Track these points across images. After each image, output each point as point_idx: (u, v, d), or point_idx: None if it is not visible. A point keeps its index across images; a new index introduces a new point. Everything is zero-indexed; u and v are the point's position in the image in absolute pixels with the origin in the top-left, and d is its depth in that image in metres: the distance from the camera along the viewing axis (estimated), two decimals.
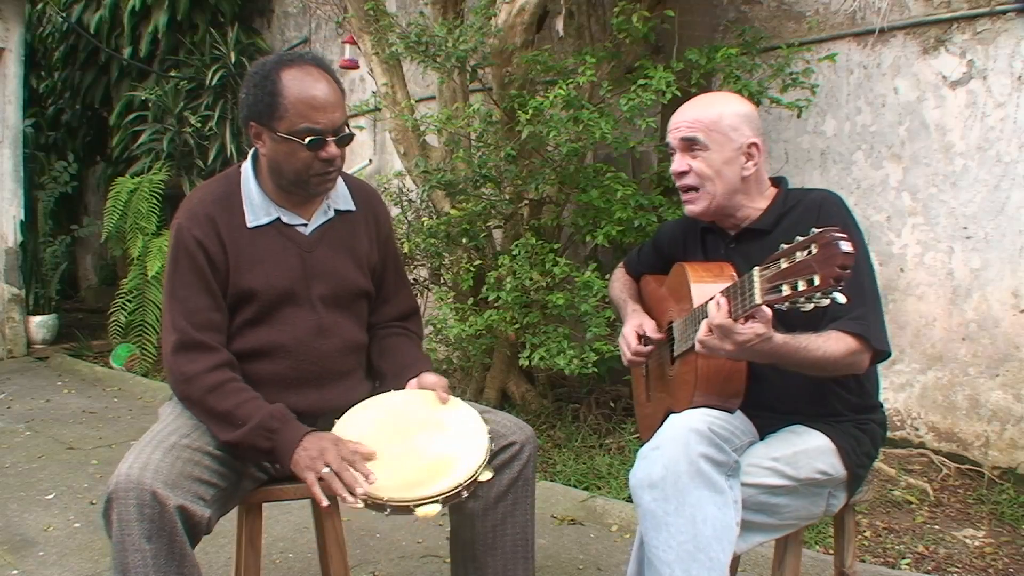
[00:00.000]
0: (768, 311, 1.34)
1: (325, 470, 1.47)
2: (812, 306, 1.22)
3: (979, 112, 3.20)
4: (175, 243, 1.64)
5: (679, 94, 3.20)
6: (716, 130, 1.63)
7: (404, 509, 1.45)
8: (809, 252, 1.20)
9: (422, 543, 2.70)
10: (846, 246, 1.16)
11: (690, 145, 1.65)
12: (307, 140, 1.58)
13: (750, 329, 1.37)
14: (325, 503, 1.47)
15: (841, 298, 1.20)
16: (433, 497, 1.44)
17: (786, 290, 1.23)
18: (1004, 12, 3.12)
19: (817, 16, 3.62)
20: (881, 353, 1.54)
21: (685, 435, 1.45)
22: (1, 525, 2.86)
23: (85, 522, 2.89)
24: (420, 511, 1.44)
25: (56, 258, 6.69)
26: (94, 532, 2.79)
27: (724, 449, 1.46)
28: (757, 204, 1.70)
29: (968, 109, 3.23)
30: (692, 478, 1.42)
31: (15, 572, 2.51)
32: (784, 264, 1.24)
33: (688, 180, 1.67)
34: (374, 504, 1.45)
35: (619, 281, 2.04)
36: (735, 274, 1.62)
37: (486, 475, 1.52)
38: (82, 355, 5.95)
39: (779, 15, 3.75)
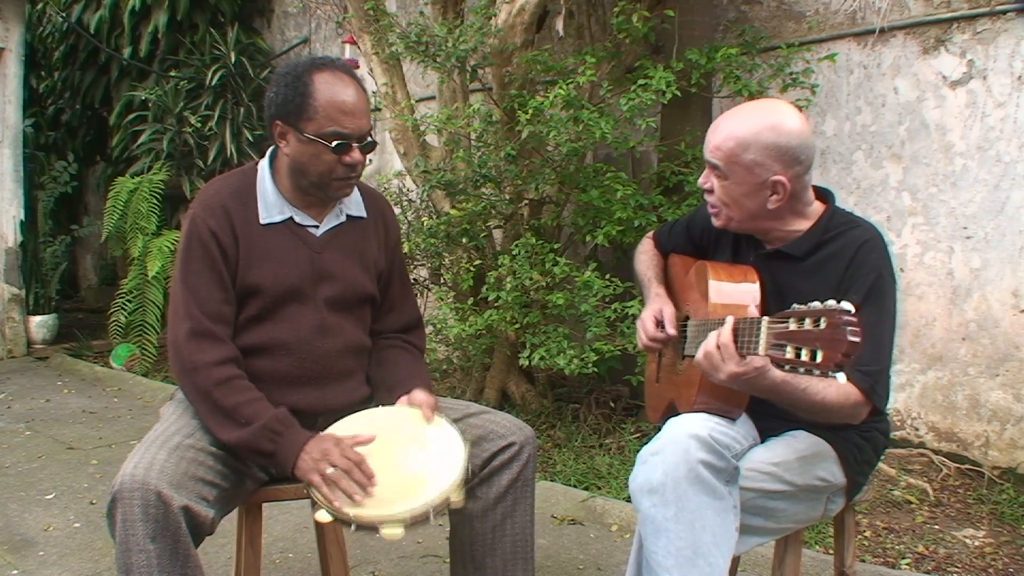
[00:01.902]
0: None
1: (330, 470, 1.48)
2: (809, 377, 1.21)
3: (979, 112, 3.20)
4: (189, 232, 1.64)
5: (679, 94, 3.21)
6: (736, 163, 1.54)
7: (370, 527, 1.44)
8: (818, 324, 1.18)
9: (422, 543, 2.70)
10: (854, 336, 1.13)
11: (713, 168, 1.60)
12: (334, 144, 1.59)
13: (749, 362, 1.34)
14: (336, 502, 1.46)
15: (841, 378, 1.17)
16: (399, 517, 1.43)
17: (789, 352, 1.21)
18: (1004, 12, 3.12)
19: (817, 16, 3.62)
20: (877, 411, 1.50)
21: (685, 441, 1.44)
22: (1, 525, 2.86)
23: (85, 522, 2.89)
24: (384, 531, 1.43)
25: (56, 258, 6.68)
26: (94, 532, 2.79)
27: (724, 456, 1.45)
28: (794, 226, 1.61)
29: (968, 109, 3.23)
30: (692, 484, 1.42)
31: (15, 572, 2.51)
32: (793, 326, 1.22)
33: (709, 198, 1.64)
34: (342, 519, 1.46)
35: (646, 254, 1.96)
36: (757, 278, 1.59)
37: (457, 497, 1.50)
38: (82, 355, 5.95)
39: (779, 15, 3.75)
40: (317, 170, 1.63)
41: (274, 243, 1.67)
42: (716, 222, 1.66)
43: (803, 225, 1.61)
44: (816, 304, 1.20)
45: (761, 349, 1.27)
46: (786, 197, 1.55)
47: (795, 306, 1.23)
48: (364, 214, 1.81)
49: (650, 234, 2.01)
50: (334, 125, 1.58)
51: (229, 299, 1.65)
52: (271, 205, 1.69)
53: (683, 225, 1.90)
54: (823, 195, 1.66)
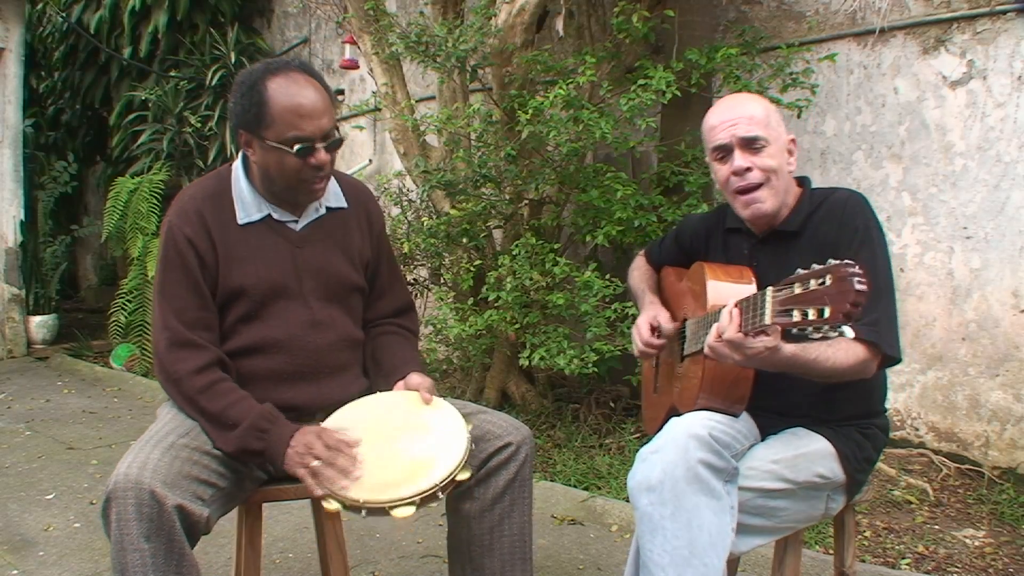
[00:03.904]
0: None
1: (315, 463, 1.49)
2: (820, 336, 1.22)
3: (979, 112, 3.20)
4: (165, 241, 1.65)
5: (679, 94, 3.21)
6: (770, 126, 1.62)
7: (380, 511, 1.46)
8: (823, 283, 1.20)
9: (422, 543, 2.70)
10: (860, 284, 1.15)
11: (751, 143, 1.60)
12: (295, 148, 1.58)
13: (760, 343, 1.36)
14: (319, 492, 1.48)
15: (849, 332, 1.20)
16: (408, 499, 1.45)
17: (796, 316, 1.23)
18: (1004, 12, 3.12)
19: (817, 16, 3.62)
20: (891, 359, 1.52)
21: (685, 440, 1.45)
22: (1, 525, 2.87)
23: (85, 522, 2.89)
24: (395, 513, 1.45)
25: (56, 258, 6.70)
26: (94, 532, 2.79)
27: (723, 455, 1.46)
28: (788, 203, 1.68)
29: (968, 109, 3.23)
30: (690, 483, 1.42)
31: (15, 572, 2.51)
32: (798, 289, 1.24)
33: (754, 177, 1.61)
34: (351, 506, 1.47)
35: (639, 270, 2.02)
36: (754, 278, 1.61)
37: (464, 475, 1.51)
38: (82, 355, 5.95)
39: (779, 15, 3.75)
40: (284, 175, 1.62)
41: (254, 242, 1.67)
42: (765, 206, 1.62)
43: (791, 203, 1.69)
44: (816, 266, 1.23)
45: (768, 319, 1.29)
46: (795, 160, 1.67)
47: (798, 271, 1.26)
48: (345, 204, 1.80)
49: (642, 252, 2.08)
50: (293, 130, 1.57)
51: (208, 304, 1.65)
52: (248, 204, 1.68)
53: (672, 238, 1.97)
54: (799, 181, 1.75)
